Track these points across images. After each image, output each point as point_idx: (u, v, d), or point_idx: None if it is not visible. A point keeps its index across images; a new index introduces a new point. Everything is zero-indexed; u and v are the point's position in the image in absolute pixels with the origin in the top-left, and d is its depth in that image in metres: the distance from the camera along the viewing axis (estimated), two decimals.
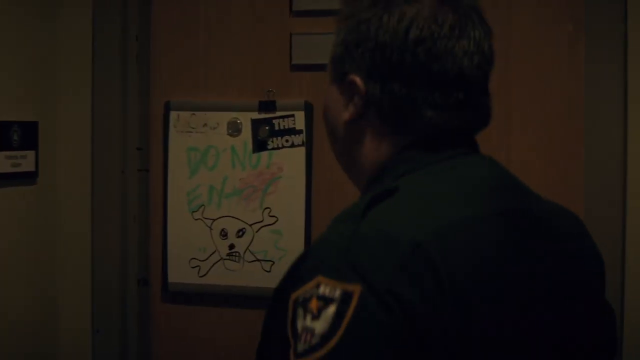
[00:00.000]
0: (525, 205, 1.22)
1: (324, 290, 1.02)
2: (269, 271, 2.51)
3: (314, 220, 2.49)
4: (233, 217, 2.54)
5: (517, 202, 1.22)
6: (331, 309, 1.01)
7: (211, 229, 2.56)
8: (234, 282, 2.54)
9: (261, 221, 2.52)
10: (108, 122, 2.53)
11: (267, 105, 2.50)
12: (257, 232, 2.52)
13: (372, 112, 1.23)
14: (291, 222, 2.49)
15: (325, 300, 1.02)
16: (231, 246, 2.55)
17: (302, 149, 2.48)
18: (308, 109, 2.48)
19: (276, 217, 2.51)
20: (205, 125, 2.56)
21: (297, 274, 1.09)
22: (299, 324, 1.03)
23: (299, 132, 2.48)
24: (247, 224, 2.53)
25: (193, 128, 2.57)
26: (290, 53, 2.49)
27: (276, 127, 2.50)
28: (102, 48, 2.53)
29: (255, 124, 2.52)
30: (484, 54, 1.22)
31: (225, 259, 2.55)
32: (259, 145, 2.52)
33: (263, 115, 2.51)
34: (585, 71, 2.27)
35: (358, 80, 1.23)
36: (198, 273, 2.57)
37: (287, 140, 2.50)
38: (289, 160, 2.49)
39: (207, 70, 2.57)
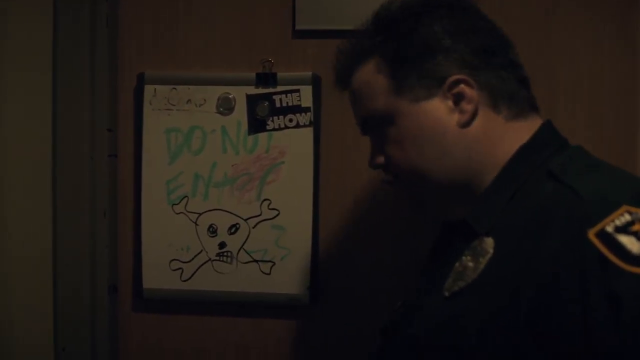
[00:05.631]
0: None
1: (636, 215, 1.09)
2: (269, 274, 2.13)
3: (322, 213, 2.11)
4: (224, 210, 2.15)
5: None
6: None
7: (197, 224, 2.16)
8: (225, 287, 2.15)
9: (259, 215, 2.13)
10: (73, 97, 2.07)
11: (267, 78, 2.11)
12: (253, 227, 2.13)
13: (484, 105, 1.33)
14: (296, 216, 2.11)
15: None
16: (222, 245, 2.15)
17: (309, 130, 2.10)
18: (316, 83, 2.09)
19: (277, 210, 2.12)
20: (189, 101, 2.15)
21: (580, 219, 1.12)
22: (635, 247, 1.07)
23: (306, 110, 2.10)
24: (242, 218, 2.14)
25: (173, 105, 2.16)
26: (294, 16, 2.10)
27: (277, 104, 2.11)
28: (65, 8, 2.07)
29: (252, 100, 2.12)
30: None
31: (214, 260, 2.15)
32: (256, 126, 2.12)
33: (261, 90, 2.12)
34: None
35: (464, 77, 1.31)
36: (180, 277, 2.17)
37: (290, 120, 2.11)
38: (293, 143, 2.11)
39: (188, 37, 2.16)
